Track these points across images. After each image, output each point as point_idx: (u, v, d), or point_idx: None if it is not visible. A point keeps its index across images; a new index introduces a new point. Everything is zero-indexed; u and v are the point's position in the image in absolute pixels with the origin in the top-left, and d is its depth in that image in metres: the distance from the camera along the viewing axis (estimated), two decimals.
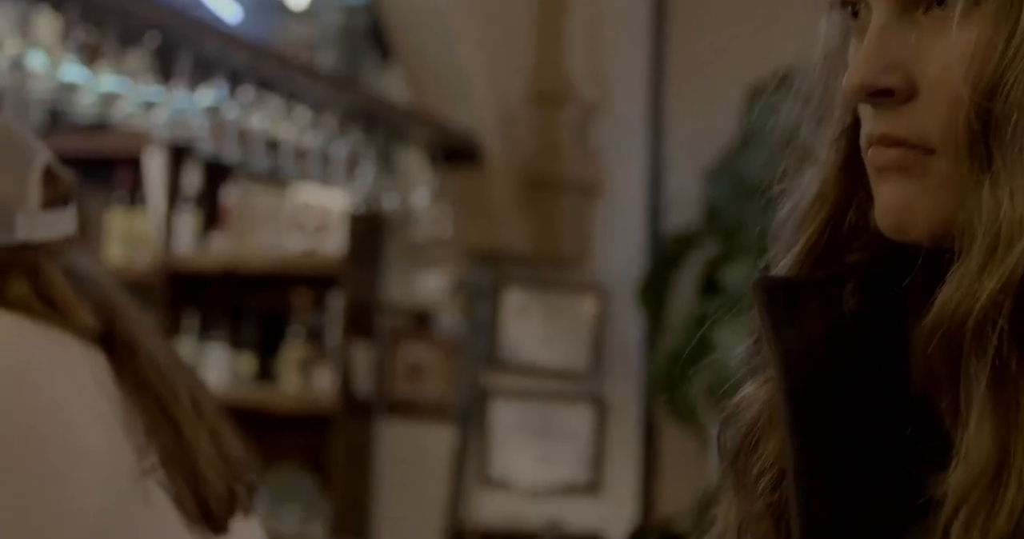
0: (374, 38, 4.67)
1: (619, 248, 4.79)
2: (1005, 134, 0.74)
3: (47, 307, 1.35)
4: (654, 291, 4.53)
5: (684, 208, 4.66)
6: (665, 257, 4.61)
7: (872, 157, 0.82)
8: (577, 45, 4.67)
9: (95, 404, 1.33)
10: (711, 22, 4.87)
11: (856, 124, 0.86)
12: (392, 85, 4.56)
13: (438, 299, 4.72)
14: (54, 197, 1.41)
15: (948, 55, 0.77)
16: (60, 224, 1.41)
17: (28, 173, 1.39)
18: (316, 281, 4.69)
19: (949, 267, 0.77)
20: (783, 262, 0.90)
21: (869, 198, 0.84)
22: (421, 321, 4.75)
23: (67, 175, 1.45)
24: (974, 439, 0.74)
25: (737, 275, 4.21)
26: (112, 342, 1.39)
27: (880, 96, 0.80)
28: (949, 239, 0.78)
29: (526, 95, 4.60)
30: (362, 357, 4.63)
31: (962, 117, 0.76)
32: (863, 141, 0.83)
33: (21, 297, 1.35)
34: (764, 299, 0.86)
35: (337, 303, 4.65)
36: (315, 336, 4.67)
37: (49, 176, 1.41)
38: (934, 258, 0.81)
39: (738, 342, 0.93)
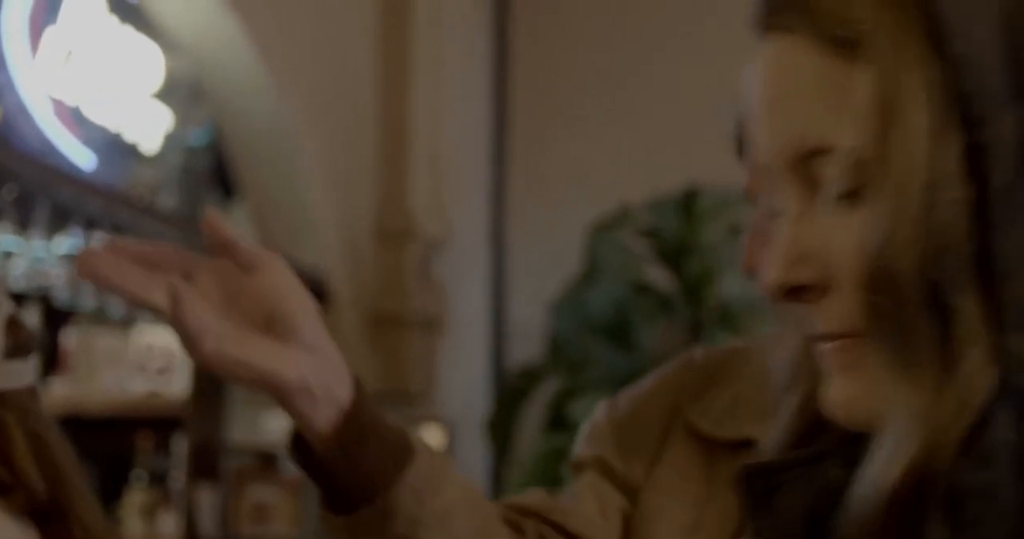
0: (218, 178, 4.68)
1: (464, 382, 4.82)
2: (905, 320, 0.77)
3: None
4: (500, 426, 4.55)
5: (529, 341, 4.71)
6: (510, 391, 4.63)
7: (818, 355, 0.85)
8: (420, 182, 4.73)
9: None
10: (554, 156, 4.98)
11: None
12: (239, 224, 4.56)
13: (283, 439, 4.67)
14: (16, 346, 1.40)
15: (850, 243, 0.79)
16: (22, 374, 1.40)
17: None
18: (159, 424, 4.60)
19: None
20: (767, 447, 0.93)
21: None
22: (266, 461, 4.70)
23: (29, 326, 1.43)
24: None
25: (583, 410, 4.25)
26: (50, 512, 1.38)
27: (797, 293, 0.81)
28: None
29: (371, 233, 4.63)
30: (207, 499, 4.54)
31: (868, 302, 0.78)
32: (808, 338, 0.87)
33: None
34: (745, 487, 0.90)
35: (181, 445, 4.57)
36: (159, 480, 4.58)
37: (13, 325, 1.40)
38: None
39: None
